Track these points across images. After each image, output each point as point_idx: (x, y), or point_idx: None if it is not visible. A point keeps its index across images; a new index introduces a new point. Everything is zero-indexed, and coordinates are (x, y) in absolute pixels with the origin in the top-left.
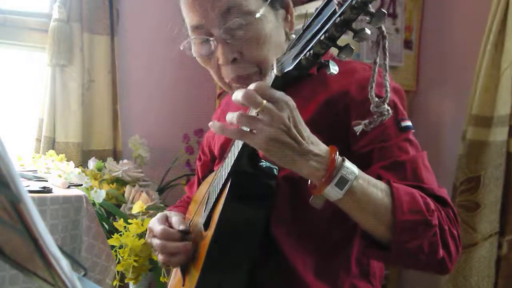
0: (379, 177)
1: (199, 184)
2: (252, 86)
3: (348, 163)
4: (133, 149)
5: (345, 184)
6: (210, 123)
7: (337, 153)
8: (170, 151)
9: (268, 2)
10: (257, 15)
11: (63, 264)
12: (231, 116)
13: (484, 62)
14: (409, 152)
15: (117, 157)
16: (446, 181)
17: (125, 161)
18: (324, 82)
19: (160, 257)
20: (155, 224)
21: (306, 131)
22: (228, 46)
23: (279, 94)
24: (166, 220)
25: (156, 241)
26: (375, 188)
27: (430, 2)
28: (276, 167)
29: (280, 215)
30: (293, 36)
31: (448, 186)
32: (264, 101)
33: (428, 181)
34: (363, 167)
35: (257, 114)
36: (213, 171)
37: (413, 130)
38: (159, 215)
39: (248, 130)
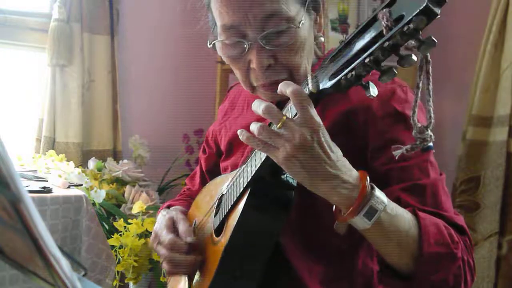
0: (398, 199)
1: (202, 177)
2: (288, 92)
3: (378, 192)
4: (133, 149)
5: (374, 215)
6: (238, 131)
7: (368, 179)
8: (170, 151)
9: (306, 8)
10: (299, 24)
11: (63, 264)
12: (254, 126)
13: (484, 62)
14: (429, 175)
15: (117, 157)
16: (446, 181)
17: (125, 161)
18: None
19: (166, 266)
20: (162, 230)
21: (335, 152)
22: (264, 51)
23: (303, 109)
24: (173, 225)
25: (163, 251)
26: (402, 217)
27: None
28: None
29: (288, 223)
30: (322, 39)
31: (448, 186)
32: (284, 117)
33: (446, 207)
34: (381, 185)
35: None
36: (218, 164)
37: (434, 150)
38: (165, 219)
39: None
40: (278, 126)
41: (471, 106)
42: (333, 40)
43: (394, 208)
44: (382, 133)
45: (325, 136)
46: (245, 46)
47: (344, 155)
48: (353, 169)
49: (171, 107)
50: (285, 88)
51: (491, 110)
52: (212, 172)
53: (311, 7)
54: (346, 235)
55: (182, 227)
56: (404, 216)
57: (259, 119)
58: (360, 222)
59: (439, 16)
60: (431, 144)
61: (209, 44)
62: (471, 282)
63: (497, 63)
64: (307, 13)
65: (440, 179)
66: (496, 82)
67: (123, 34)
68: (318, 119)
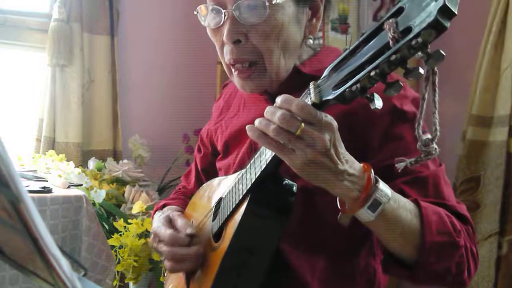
0: (401, 192)
1: (197, 175)
2: (293, 107)
3: (382, 185)
4: (133, 149)
5: (378, 207)
6: (247, 127)
7: (372, 172)
8: (170, 151)
9: None
10: (274, 1)
11: (63, 264)
12: (265, 124)
13: (484, 62)
14: (429, 167)
15: (117, 157)
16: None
17: (125, 161)
18: None
19: (168, 264)
20: (160, 228)
21: (342, 149)
22: (236, 24)
23: (321, 115)
24: (171, 223)
25: (164, 248)
26: (404, 208)
27: None
28: (296, 184)
29: (289, 225)
30: (311, 41)
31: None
32: (303, 124)
33: (448, 197)
34: (383, 180)
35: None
36: (213, 164)
37: None
38: (162, 218)
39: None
40: (297, 133)
41: (471, 106)
42: (333, 40)
43: (397, 199)
44: (382, 131)
45: (338, 137)
46: (223, 16)
47: None
48: (356, 161)
49: (171, 107)
50: (288, 104)
51: (491, 110)
52: (208, 171)
53: (303, 1)
54: (347, 234)
55: (180, 222)
56: (406, 207)
57: (255, 119)
58: (364, 214)
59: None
60: (429, 136)
61: (196, 11)
62: (474, 270)
63: (497, 63)
64: (294, 3)
65: (440, 170)
66: (496, 82)
67: (123, 34)
68: (334, 122)
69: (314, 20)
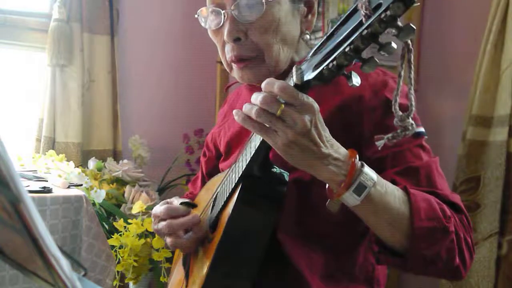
0: (393, 183)
1: (203, 180)
2: (275, 88)
3: (367, 169)
4: (133, 149)
5: (363, 191)
6: (234, 111)
7: (357, 157)
8: (170, 151)
9: None
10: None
11: (63, 264)
12: (249, 108)
13: (484, 62)
14: (422, 158)
15: (117, 157)
16: (447, 181)
17: (125, 161)
18: (336, 85)
19: (168, 240)
20: (158, 208)
21: (326, 132)
22: (235, 23)
23: (302, 96)
24: (168, 203)
25: (163, 223)
26: (392, 194)
27: (430, 2)
28: (287, 173)
29: (286, 218)
30: (307, 36)
31: (448, 185)
32: (283, 105)
33: (441, 186)
34: (376, 172)
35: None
36: (217, 167)
37: (426, 136)
38: (160, 203)
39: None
40: (278, 114)
41: (471, 106)
42: None
43: (385, 184)
44: (375, 123)
45: (320, 119)
46: (222, 16)
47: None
48: (341, 147)
49: (171, 107)
50: (271, 86)
51: (491, 110)
52: (212, 175)
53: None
54: (345, 230)
55: (176, 202)
56: (394, 193)
57: None
58: (350, 198)
59: (417, 4)
60: (422, 129)
61: (197, 14)
62: (469, 260)
63: (497, 63)
64: (290, 0)
65: (433, 161)
66: (496, 82)
67: (123, 34)
68: (315, 104)
69: (310, 16)
